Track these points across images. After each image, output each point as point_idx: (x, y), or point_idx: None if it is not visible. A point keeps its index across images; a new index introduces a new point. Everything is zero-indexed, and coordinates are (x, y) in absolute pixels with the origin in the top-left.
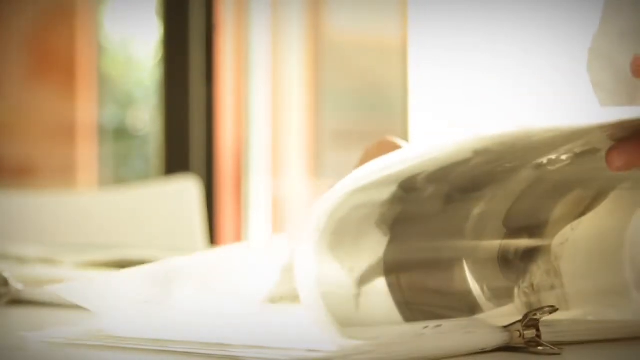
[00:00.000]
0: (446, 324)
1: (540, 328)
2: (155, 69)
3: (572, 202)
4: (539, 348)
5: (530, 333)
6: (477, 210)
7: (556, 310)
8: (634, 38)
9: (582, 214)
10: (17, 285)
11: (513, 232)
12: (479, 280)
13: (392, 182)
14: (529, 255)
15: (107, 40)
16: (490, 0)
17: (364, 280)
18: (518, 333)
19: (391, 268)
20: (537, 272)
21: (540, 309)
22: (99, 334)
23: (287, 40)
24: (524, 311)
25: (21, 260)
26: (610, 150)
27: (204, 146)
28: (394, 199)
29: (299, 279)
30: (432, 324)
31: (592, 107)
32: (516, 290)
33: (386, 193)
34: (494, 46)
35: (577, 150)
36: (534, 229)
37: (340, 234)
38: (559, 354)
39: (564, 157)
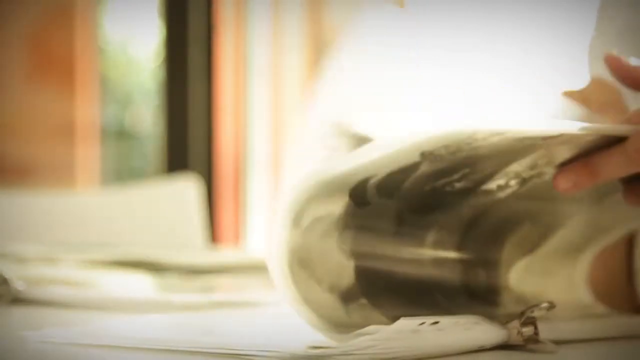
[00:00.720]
0: (444, 320)
1: (538, 326)
2: (156, 69)
3: (522, 238)
4: (537, 345)
5: (528, 330)
6: (430, 238)
7: (554, 307)
8: (632, 37)
9: (532, 250)
10: (17, 284)
11: (468, 265)
12: (454, 309)
13: (343, 190)
14: (492, 285)
15: (108, 40)
16: (490, 0)
17: (346, 298)
18: (516, 330)
19: (367, 291)
20: (505, 302)
21: (537, 305)
22: (99, 334)
23: (287, 41)
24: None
25: (22, 259)
26: (557, 173)
27: (204, 146)
28: (348, 216)
29: (279, 292)
30: (429, 320)
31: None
32: (493, 314)
33: (340, 205)
34: (493, 46)
35: (525, 175)
36: (488, 262)
37: (307, 251)
38: (555, 352)
39: (512, 182)
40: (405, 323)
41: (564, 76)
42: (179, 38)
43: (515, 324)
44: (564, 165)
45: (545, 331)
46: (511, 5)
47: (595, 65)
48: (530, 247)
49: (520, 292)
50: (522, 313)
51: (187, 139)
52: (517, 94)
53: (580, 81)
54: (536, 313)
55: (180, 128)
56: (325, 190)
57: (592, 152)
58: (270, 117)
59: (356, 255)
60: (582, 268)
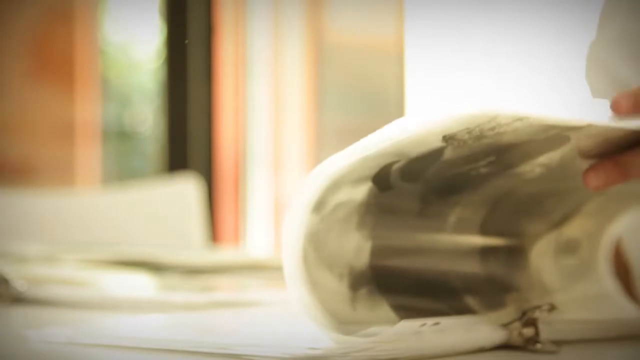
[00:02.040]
0: (444, 321)
1: (539, 326)
2: (156, 70)
3: (547, 214)
4: (537, 346)
5: (528, 331)
6: (453, 217)
7: (555, 308)
8: (631, 45)
9: (557, 226)
10: (18, 284)
11: (491, 243)
12: (467, 290)
13: (366, 176)
14: (511, 267)
15: (108, 41)
16: (489, 0)
17: (355, 285)
18: (517, 331)
19: (379, 274)
20: (522, 283)
21: (538, 306)
22: (99, 334)
23: (287, 41)
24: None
25: (22, 259)
26: (587, 171)
27: (204, 146)
28: (370, 200)
29: (287, 279)
30: (430, 321)
31: (592, 108)
32: (507, 300)
33: (362, 191)
34: (493, 46)
35: (553, 165)
36: (510, 241)
37: (324, 235)
38: (556, 352)
39: (538, 169)
40: (407, 325)
41: (564, 76)
42: (179, 38)
43: (516, 324)
44: (590, 155)
45: (546, 332)
46: (511, 5)
47: (594, 73)
48: (557, 222)
49: (539, 275)
50: (523, 314)
51: (187, 139)
52: (517, 94)
53: (580, 81)
54: (537, 314)
55: (180, 128)
56: (349, 176)
57: (622, 148)
58: (270, 117)
59: (374, 237)
60: (605, 250)
